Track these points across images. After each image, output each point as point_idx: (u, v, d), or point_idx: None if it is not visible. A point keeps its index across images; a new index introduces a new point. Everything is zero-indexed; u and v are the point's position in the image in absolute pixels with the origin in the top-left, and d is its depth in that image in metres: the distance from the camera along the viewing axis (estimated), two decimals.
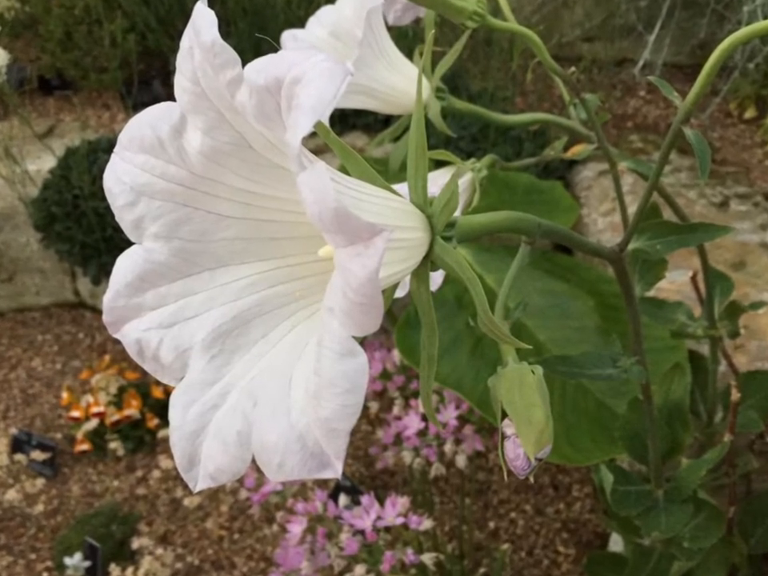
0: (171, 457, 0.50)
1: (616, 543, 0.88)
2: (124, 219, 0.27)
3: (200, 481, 0.25)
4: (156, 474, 1.13)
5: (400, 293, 0.30)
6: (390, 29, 0.45)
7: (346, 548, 0.71)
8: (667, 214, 0.54)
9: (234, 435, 0.24)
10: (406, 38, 1.24)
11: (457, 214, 0.27)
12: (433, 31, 0.30)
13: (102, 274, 1.28)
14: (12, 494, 1.06)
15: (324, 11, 0.47)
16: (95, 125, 1.50)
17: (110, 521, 1.06)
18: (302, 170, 0.21)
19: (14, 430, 1.20)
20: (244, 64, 0.23)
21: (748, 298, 0.89)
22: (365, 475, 1.10)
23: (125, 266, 0.27)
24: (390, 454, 0.90)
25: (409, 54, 0.47)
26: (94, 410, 1.17)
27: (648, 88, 1.48)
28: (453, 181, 0.26)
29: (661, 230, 0.38)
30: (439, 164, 0.43)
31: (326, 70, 0.21)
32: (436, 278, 0.36)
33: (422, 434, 0.85)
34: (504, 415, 0.29)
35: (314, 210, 0.20)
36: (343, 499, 0.77)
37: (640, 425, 0.49)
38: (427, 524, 0.72)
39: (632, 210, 0.41)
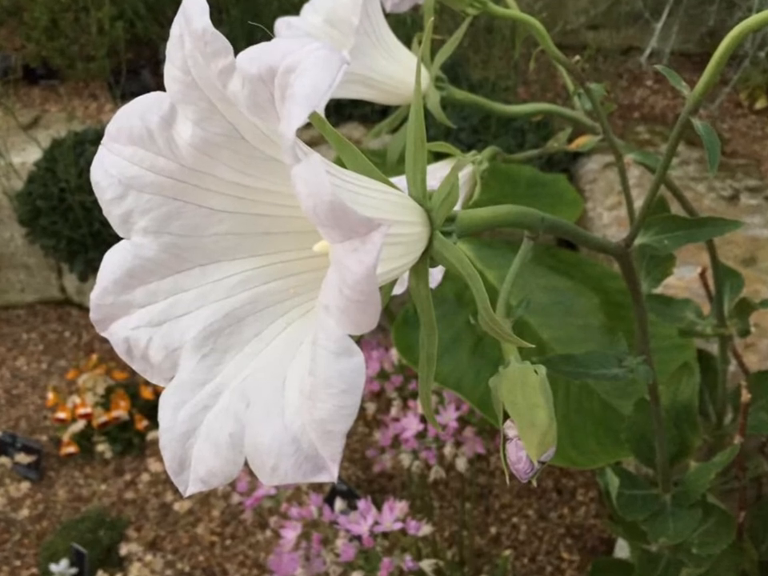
0: (161, 460, 0.49)
1: (622, 549, 0.87)
2: (112, 213, 0.26)
3: (191, 485, 0.24)
4: (145, 477, 1.12)
5: (398, 290, 0.30)
6: (387, 16, 0.44)
7: (342, 554, 0.70)
8: (675, 208, 0.53)
9: (226, 437, 0.24)
10: (404, 26, 1.24)
11: (457, 207, 0.26)
12: (432, 18, 0.29)
13: (89, 271, 1.26)
14: None
15: None
16: (82, 115, 1.49)
17: (97, 526, 1.04)
18: (296, 162, 0.20)
19: None
20: (236, 52, 0.23)
21: (759, 295, 0.88)
22: (361, 479, 1.09)
23: (113, 261, 0.26)
24: (387, 457, 0.88)
25: (407, 43, 0.47)
26: (81, 411, 1.15)
27: (655, 77, 1.47)
28: (453, 173, 0.26)
29: (668, 225, 0.37)
30: (439, 156, 0.42)
31: (321, 58, 0.21)
32: (435, 275, 0.35)
33: (420, 436, 0.84)
34: (506, 417, 0.29)
35: (309, 204, 0.20)
36: (339, 504, 0.75)
37: (647, 426, 0.48)
38: (426, 529, 0.71)
39: (638, 203, 0.40)
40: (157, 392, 1.17)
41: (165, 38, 0.25)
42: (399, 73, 0.44)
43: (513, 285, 0.31)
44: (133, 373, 1.17)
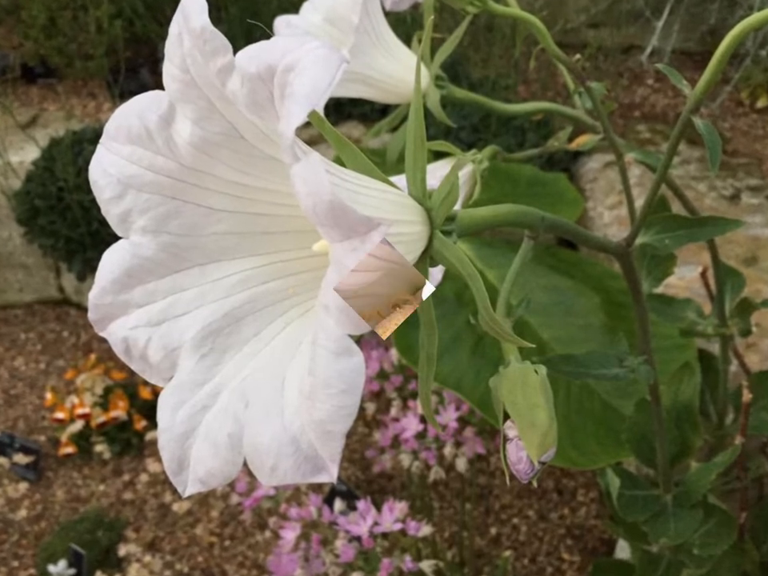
0: (159, 460, 0.48)
1: (623, 550, 0.87)
2: (110, 212, 0.26)
3: (189, 485, 0.24)
4: (143, 477, 1.11)
5: None
6: (387, 14, 0.44)
7: (341, 555, 0.69)
8: (676, 208, 0.53)
9: (225, 437, 0.24)
10: (404, 24, 1.24)
11: (457, 207, 0.26)
12: (432, 17, 0.29)
13: (87, 270, 1.26)
14: None
15: None
16: (80, 114, 1.48)
17: (95, 527, 1.04)
18: (295, 161, 0.20)
19: None
20: (235, 51, 0.23)
21: (760, 295, 0.88)
22: (361, 479, 1.09)
23: (111, 261, 0.26)
24: (387, 458, 0.88)
25: (407, 41, 0.47)
26: (79, 411, 1.15)
27: (656, 76, 1.47)
28: (453, 173, 0.26)
29: (669, 224, 0.37)
30: (438, 155, 0.42)
31: (320, 57, 0.21)
32: (435, 274, 0.35)
33: (420, 436, 0.84)
34: (506, 417, 0.28)
35: (308, 203, 0.20)
36: (339, 504, 0.75)
37: (648, 427, 0.48)
38: (426, 530, 0.70)
39: (639, 203, 0.40)
40: (155, 392, 1.17)
41: (163, 36, 0.25)
42: (399, 71, 0.44)
43: (513, 284, 0.31)
44: (131, 373, 1.17)
